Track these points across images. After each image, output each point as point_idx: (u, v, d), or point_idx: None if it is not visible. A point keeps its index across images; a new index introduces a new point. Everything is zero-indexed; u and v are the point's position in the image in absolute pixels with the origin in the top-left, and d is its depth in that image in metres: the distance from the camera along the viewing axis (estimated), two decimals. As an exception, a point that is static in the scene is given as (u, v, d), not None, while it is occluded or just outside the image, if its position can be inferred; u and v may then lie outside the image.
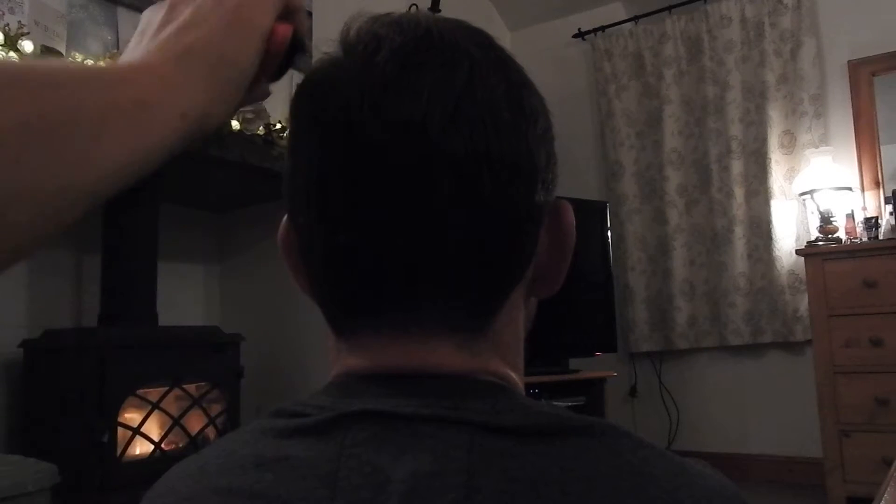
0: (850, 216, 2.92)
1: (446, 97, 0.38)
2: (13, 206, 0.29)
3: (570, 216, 0.44)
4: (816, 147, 3.09)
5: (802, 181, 3.03)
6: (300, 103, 0.42)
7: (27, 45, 1.68)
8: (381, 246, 0.38)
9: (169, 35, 0.39)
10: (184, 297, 2.76)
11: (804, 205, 3.13)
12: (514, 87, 0.41)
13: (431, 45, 0.39)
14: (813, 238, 2.95)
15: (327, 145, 0.39)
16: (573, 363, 3.13)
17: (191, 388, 2.18)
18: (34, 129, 0.30)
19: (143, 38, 0.40)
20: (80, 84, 0.33)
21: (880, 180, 3.06)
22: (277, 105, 2.33)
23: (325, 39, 0.42)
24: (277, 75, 0.45)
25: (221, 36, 0.39)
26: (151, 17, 0.41)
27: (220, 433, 2.18)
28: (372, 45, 0.40)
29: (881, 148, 3.09)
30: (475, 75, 0.39)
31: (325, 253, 0.40)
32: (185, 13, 0.40)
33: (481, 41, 0.41)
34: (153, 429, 2.08)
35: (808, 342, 2.93)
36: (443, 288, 0.39)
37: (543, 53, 3.85)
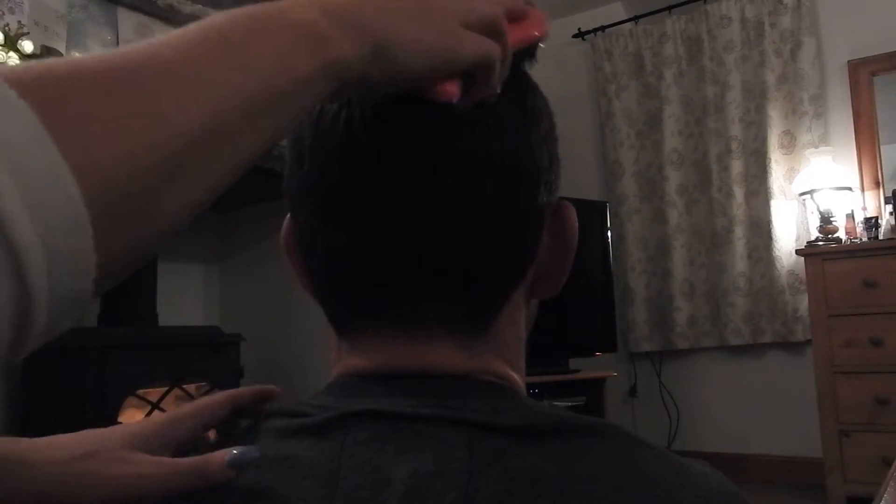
0: (850, 216, 2.91)
1: None
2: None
3: (573, 218, 0.44)
4: (816, 147, 3.09)
5: (802, 181, 3.02)
6: None
7: (27, 45, 1.68)
8: (382, 245, 0.38)
9: None
10: (184, 297, 2.76)
11: (804, 205, 3.13)
12: (517, 88, 0.41)
13: None
14: (813, 238, 2.94)
15: (329, 144, 0.39)
16: (573, 363, 3.12)
17: (191, 388, 2.18)
18: None
19: None
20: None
21: (880, 180, 3.06)
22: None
23: None
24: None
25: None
26: None
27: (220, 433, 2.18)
28: None
29: (881, 148, 3.09)
30: None
31: (326, 252, 0.40)
32: None
33: None
34: (153, 429, 2.08)
35: (808, 342, 2.92)
36: (444, 288, 0.39)
37: (543, 53, 3.83)
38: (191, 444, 0.40)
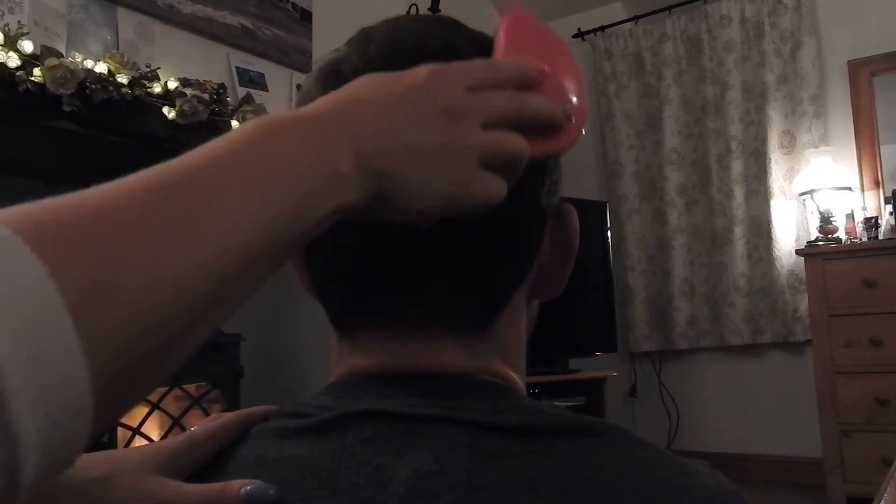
0: (850, 216, 2.91)
1: None
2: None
3: (574, 220, 0.44)
4: (816, 147, 3.09)
5: (802, 181, 3.02)
6: (304, 100, 0.42)
7: (27, 45, 1.68)
8: (383, 245, 0.38)
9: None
10: (184, 297, 2.75)
11: (804, 205, 3.13)
12: None
13: (425, 50, 0.39)
14: (813, 238, 2.94)
15: None
16: (573, 363, 3.12)
17: (191, 388, 2.18)
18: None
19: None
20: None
21: (880, 180, 3.06)
22: (279, 104, 2.33)
23: (328, 45, 0.42)
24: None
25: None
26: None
27: (220, 433, 2.18)
28: (375, 41, 0.40)
29: (881, 148, 3.09)
30: None
31: (327, 251, 0.40)
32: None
33: (482, 44, 0.41)
34: (153, 429, 2.08)
35: (808, 342, 2.92)
36: (445, 288, 0.39)
37: (543, 53, 3.84)
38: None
